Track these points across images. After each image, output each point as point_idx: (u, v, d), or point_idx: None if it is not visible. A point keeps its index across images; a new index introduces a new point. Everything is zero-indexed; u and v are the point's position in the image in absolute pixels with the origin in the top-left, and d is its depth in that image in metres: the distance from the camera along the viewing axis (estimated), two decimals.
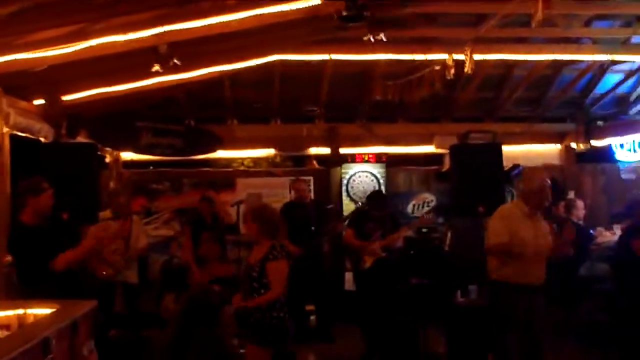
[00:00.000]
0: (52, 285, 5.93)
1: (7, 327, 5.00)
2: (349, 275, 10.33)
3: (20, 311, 5.16)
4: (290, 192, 10.17)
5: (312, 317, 10.00)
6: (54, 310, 5.05)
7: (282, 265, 5.85)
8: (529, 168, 8.19)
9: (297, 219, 9.44)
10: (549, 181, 6.61)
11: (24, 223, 6.14)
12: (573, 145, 13.09)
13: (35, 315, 5.11)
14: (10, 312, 5.17)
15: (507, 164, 10.63)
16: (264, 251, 5.90)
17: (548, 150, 13.21)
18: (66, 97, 8.73)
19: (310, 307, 9.96)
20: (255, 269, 5.87)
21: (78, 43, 6.60)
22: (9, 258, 7.26)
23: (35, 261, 6.03)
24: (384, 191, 11.73)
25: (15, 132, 7.65)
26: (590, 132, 12.92)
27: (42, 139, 8.46)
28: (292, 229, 9.51)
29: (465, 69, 9.08)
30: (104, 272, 7.93)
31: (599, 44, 10.39)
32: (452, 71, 9.35)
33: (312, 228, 9.64)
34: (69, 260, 6.22)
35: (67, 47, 6.62)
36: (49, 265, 6.03)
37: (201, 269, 8.94)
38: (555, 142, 13.25)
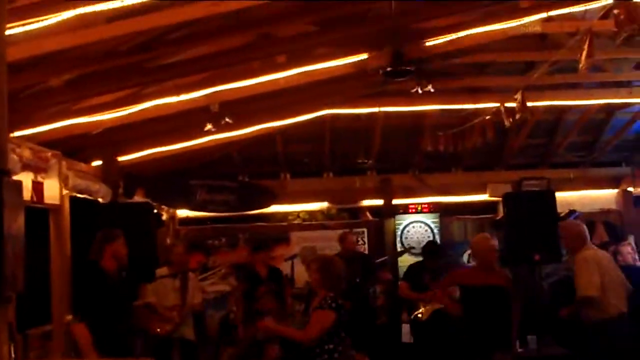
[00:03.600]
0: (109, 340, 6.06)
1: None
2: (406, 327, 10.24)
3: None
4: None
5: None
6: None
7: (326, 315, 5.85)
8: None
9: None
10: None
11: (105, 269, 6.36)
12: (630, 189, 12.86)
13: None
14: None
15: (562, 210, 10.50)
16: (318, 301, 5.95)
17: (604, 195, 12.99)
18: (122, 158, 8.94)
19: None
20: (309, 318, 5.99)
21: (132, 106, 6.81)
22: (70, 317, 7.42)
23: (107, 311, 6.16)
24: (438, 241, 11.69)
25: (74, 193, 7.83)
26: None
27: (100, 200, 8.63)
28: None
29: (517, 116, 9.04)
30: (159, 330, 7.99)
31: None
32: (510, 119, 9.35)
33: (357, 280, 9.59)
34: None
35: (122, 110, 6.83)
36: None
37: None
38: (611, 186, 13.03)
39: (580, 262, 7.15)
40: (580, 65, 6.48)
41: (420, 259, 9.67)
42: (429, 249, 9.30)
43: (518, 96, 8.51)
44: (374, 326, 10.12)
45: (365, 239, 12.30)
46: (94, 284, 6.41)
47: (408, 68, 6.97)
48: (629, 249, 9.42)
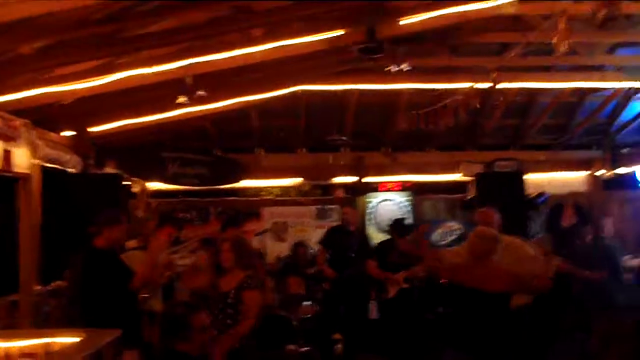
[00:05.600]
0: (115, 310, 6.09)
1: (33, 355, 5.08)
2: (373, 305, 10.32)
3: (47, 340, 5.25)
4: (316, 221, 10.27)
5: (339, 346, 9.98)
6: (79, 339, 5.13)
7: (257, 295, 6.08)
8: None
9: (338, 244, 9.55)
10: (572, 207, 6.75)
11: (97, 247, 6.37)
12: (599, 172, 13.01)
13: (61, 344, 5.19)
14: (36, 341, 5.26)
15: (533, 192, 10.61)
16: (239, 280, 6.11)
17: (574, 178, 13.12)
18: (94, 129, 8.89)
19: (337, 336, 9.94)
20: (231, 295, 6.06)
21: (105, 76, 6.74)
22: (38, 287, 7.39)
23: (111, 282, 6.19)
24: (410, 219, 11.75)
25: (44, 163, 7.78)
26: (616, 159, 12.83)
27: (70, 170, 8.58)
28: (333, 253, 9.63)
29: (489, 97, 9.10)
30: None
31: (623, 71, 10.37)
32: (477, 100, 9.40)
33: (352, 255, 9.65)
34: (145, 276, 6.47)
35: (94, 80, 6.76)
36: (128, 285, 6.26)
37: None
38: (581, 169, 13.15)
39: None
40: (557, 47, 6.52)
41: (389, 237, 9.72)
42: (397, 226, 9.32)
43: (491, 77, 8.59)
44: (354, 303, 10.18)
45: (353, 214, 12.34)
46: (87, 262, 6.40)
47: (380, 45, 6.96)
48: (610, 222, 9.56)
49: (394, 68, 8.22)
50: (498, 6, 7.69)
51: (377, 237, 11.80)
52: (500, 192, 9.58)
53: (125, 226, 6.67)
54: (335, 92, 10.71)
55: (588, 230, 9.66)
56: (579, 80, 10.60)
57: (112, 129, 9.16)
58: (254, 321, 6.07)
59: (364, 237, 10.39)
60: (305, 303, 9.07)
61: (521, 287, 6.47)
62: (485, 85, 9.24)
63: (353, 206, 11.73)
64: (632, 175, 12.72)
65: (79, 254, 6.62)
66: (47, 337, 5.31)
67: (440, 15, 7.56)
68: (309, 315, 8.98)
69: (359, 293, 10.03)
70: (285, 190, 13.30)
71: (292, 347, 8.53)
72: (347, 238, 9.81)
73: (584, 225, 9.74)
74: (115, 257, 6.51)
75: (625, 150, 12.88)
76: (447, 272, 6.82)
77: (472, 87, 9.08)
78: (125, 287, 6.28)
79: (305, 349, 8.59)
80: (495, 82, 9.00)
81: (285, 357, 5.49)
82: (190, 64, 7.07)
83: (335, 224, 11.13)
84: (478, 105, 9.54)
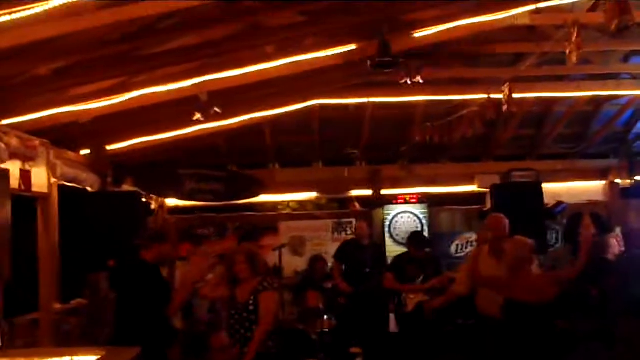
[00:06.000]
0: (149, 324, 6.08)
1: None
2: (392, 317, 10.29)
3: (67, 358, 5.26)
4: (333, 234, 10.27)
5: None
6: (99, 357, 5.14)
7: (273, 296, 6.12)
8: None
9: (353, 258, 9.55)
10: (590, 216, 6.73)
11: (148, 261, 6.31)
12: (617, 181, 12.93)
13: None
14: (57, 359, 5.28)
15: (550, 201, 10.56)
16: (254, 286, 6.18)
17: (592, 187, 13.05)
18: (111, 147, 8.94)
19: (355, 350, 9.92)
20: (250, 303, 6.12)
21: (120, 95, 6.80)
22: (58, 305, 7.43)
23: (153, 296, 6.14)
24: (426, 232, 11.74)
25: (62, 182, 7.84)
26: (634, 167, 12.75)
27: (88, 188, 8.64)
28: (347, 267, 9.62)
29: (504, 108, 9.08)
30: None
31: (638, 79, 10.34)
32: (492, 111, 9.38)
33: (367, 270, 9.65)
34: (184, 300, 6.50)
35: (110, 99, 6.82)
36: (167, 304, 6.20)
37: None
38: (599, 178, 13.09)
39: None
40: (570, 58, 6.52)
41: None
42: (414, 239, 9.32)
43: (505, 88, 8.57)
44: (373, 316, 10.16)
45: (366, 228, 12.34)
46: (136, 273, 6.42)
47: (395, 59, 6.97)
48: (615, 241, 9.46)
49: (408, 81, 8.22)
50: (512, 17, 7.69)
51: (394, 249, 11.78)
52: (517, 202, 9.53)
53: (171, 245, 6.73)
54: (349, 106, 10.73)
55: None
56: (595, 89, 10.58)
57: (129, 146, 9.21)
58: (270, 327, 6.09)
59: (378, 250, 10.35)
60: (324, 317, 9.06)
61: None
62: (500, 96, 9.22)
63: (368, 219, 11.73)
64: None
65: (123, 264, 6.65)
66: (67, 355, 5.32)
67: (455, 27, 7.56)
68: (327, 329, 8.97)
69: (375, 307, 10.03)
70: (301, 204, 13.31)
71: None
72: (361, 252, 9.80)
73: (602, 236, 9.66)
74: (159, 273, 6.52)
75: None
76: (485, 284, 6.80)
77: (488, 97, 9.05)
78: (163, 303, 6.24)
79: None
80: (509, 92, 8.98)
81: None
82: (205, 81, 7.12)
83: (350, 237, 11.14)
84: (494, 117, 9.52)
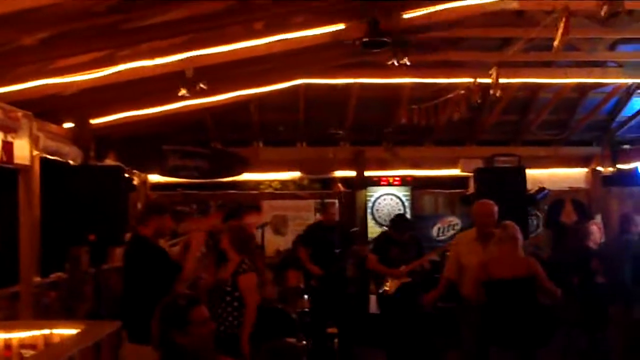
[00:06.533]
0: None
1: (33, 346, 5.09)
2: (373, 299, 10.34)
3: (47, 331, 5.25)
4: (315, 214, 10.27)
5: (335, 340, 9.99)
6: (79, 330, 5.14)
7: (251, 277, 6.18)
8: None
9: (321, 240, 9.56)
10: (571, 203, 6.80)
11: (148, 237, 6.32)
12: (599, 168, 13.01)
13: (60, 336, 5.20)
14: (36, 332, 5.27)
15: (533, 187, 10.60)
16: (234, 266, 6.24)
17: (574, 174, 13.14)
18: (95, 121, 8.85)
19: (332, 330, 9.95)
20: (228, 282, 6.21)
21: (106, 68, 6.72)
22: (38, 279, 7.39)
23: (158, 271, 6.13)
24: (409, 214, 11.77)
25: (44, 155, 7.77)
26: (617, 155, 12.83)
27: (71, 162, 8.57)
28: (316, 250, 9.65)
29: (491, 92, 9.09)
30: None
31: (624, 68, 10.36)
32: (478, 95, 9.38)
33: (336, 251, 9.69)
34: (191, 268, 6.45)
35: (96, 72, 6.74)
36: (178, 276, 6.23)
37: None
38: (581, 165, 13.19)
39: None
40: (555, 43, 6.52)
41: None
42: (397, 221, 9.34)
43: (492, 72, 8.57)
44: (346, 297, 10.21)
45: (337, 210, 12.34)
46: (136, 250, 6.38)
47: (384, 39, 6.94)
48: (595, 228, 9.52)
49: (395, 62, 8.20)
50: (501, 1, 7.67)
51: (376, 231, 11.83)
52: (500, 187, 9.56)
53: (169, 217, 6.69)
54: (335, 86, 10.70)
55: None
56: (580, 77, 10.61)
57: (113, 121, 9.13)
58: (255, 302, 6.13)
59: (344, 231, 10.39)
60: (304, 296, 9.09)
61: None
62: (487, 80, 9.22)
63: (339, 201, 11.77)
64: (634, 172, 12.69)
65: (126, 243, 6.63)
66: (47, 328, 5.32)
67: (444, 9, 7.54)
68: (306, 309, 8.99)
69: (346, 287, 10.12)
70: (283, 184, 13.29)
71: (291, 340, 8.53)
72: (329, 233, 9.84)
73: (583, 223, 9.72)
74: (160, 247, 6.52)
75: (625, 147, 12.88)
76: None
77: (475, 82, 9.05)
78: (169, 277, 6.20)
79: (304, 342, 8.60)
80: (495, 77, 8.98)
81: (286, 349, 5.50)
82: (191, 56, 7.05)
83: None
84: (479, 101, 9.52)
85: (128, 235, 8.40)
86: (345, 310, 9.97)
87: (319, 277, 9.60)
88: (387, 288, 8.97)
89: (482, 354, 6.76)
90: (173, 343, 4.01)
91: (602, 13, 5.65)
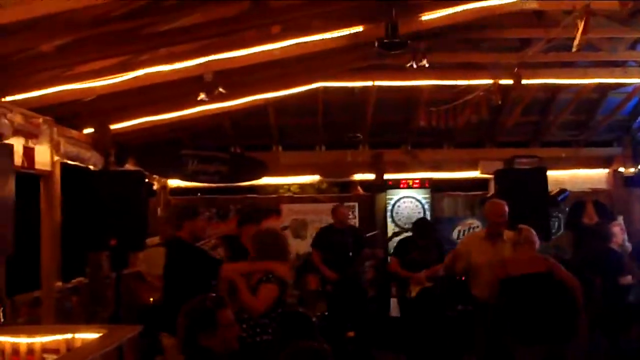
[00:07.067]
0: None
1: (56, 351, 5.11)
2: (394, 302, 10.31)
3: (69, 336, 5.28)
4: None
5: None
6: (100, 335, 5.15)
7: (273, 287, 5.89)
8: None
9: (333, 243, 9.54)
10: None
11: (185, 240, 6.30)
12: (621, 169, 12.89)
13: (82, 340, 5.22)
14: (59, 337, 5.29)
15: (553, 189, 10.53)
16: (259, 275, 5.98)
17: (595, 175, 13.04)
18: (115, 126, 8.90)
19: (351, 334, 9.92)
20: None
21: (125, 74, 6.76)
22: (59, 284, 7.44)
23: (198, 273, 6.11)
24: (429, 217, 11.72)
25: (65, 160, 7.82)
26: (638, 155, 12.70)
27: (91, 167, 8.62)
28: (329, 253, 9.62)
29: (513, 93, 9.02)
30: (151, 299, 8.03)
31: None
32: (498, 96, 9.33)
33: (350, 254, 9.65)
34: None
35: (115, 77, 6.78)
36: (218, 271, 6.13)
37: None
38: (603, 166, 13.07)
39: None
40: (575, 43, 6.48)
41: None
42: (419, 225, 9.31)
43: (515, 73, 8.53)
44: (364, 299, 10.18)
45: (356, 213, 12.34)
46: (177, 254, 6.38)
47: (402, 41, 6.92)
48: (618, 229, 9.43)
49: (414, 64, 8.18)
50: (520, 1, 7.64)
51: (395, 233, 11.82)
52: (521, 189, 9.49)
53: (205, 219, 6.72)
54: (353, 89, 10.70)
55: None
56: (601, 77, 10.53)
57: (133, 126, 9.18)
58: (260, 310, 5.97)
59: (357, 233, 10.34)
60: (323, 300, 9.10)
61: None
62: (507, 81, 9.17)
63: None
64: None
65: (167, 248, 6.63)
66: (69, 332, 5.33)
67: (462, 10, 7.51)
68: (326, 313, 8.99)
69: (362, 291, 10.08)
70: (302, 187, 13.29)
71: (312, 343, 8.52)
72: (341, 236, 9.79)
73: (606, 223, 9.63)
74: (198, 247, 6.52)
75: None
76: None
77: (495, 82, 9.00)
78: (209, 277, 6.19)
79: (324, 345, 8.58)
80: (518, 78, 8.92)
81: (314, 351, 5.48)
82: (210, 61, 7.07)
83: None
84: (500, 102, 9.48)
85: (152, 240, 8.48)
86: (363, 313, 9.94)
87: (334, 282, 9.55)
88: (412, 294, 8.94)
89: (496, 353, 6.72)
90: (199, 346, 4.00)
91: (625, 11, 5.60)
